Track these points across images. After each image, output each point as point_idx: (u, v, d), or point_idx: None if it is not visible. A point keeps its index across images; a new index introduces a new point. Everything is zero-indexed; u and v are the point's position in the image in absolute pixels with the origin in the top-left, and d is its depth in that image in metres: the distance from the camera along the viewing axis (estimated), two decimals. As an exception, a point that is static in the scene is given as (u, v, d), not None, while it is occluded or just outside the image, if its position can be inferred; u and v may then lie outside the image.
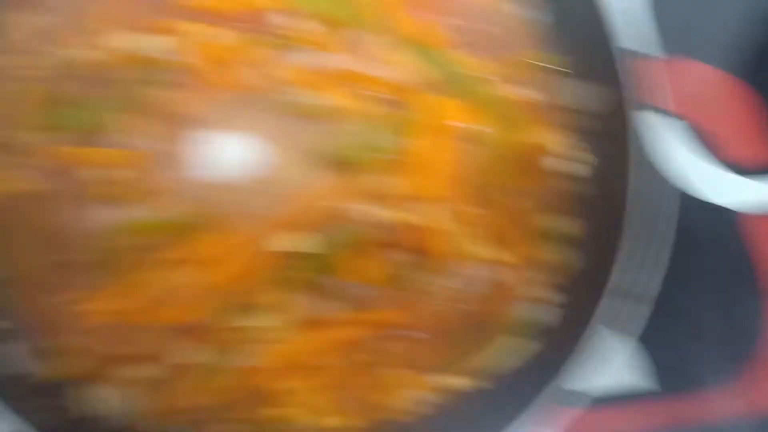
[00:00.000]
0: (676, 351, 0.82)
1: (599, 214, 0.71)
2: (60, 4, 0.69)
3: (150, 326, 0.66)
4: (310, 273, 0.67)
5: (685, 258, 0.73)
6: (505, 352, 0.71)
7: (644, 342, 0.78)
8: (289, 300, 0.66)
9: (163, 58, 0.69)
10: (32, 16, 0.69)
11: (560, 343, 0.69)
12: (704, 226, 0.84)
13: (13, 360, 0.66)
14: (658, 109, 0.68)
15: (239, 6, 0.70)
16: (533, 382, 0.68)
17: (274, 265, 0.66)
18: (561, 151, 0.73)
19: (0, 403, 0.60)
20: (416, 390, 0.70)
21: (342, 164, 0.69)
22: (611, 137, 0.69)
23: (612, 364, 0.66)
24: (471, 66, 0.72)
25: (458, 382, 0.70)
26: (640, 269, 0.67)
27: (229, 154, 0.68)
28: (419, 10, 0.73)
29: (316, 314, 0.67)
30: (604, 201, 0.71)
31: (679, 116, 0.86)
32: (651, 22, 0.83)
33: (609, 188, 0.70)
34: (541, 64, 0.74)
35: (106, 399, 0.66)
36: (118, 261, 0.66)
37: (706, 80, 0.90)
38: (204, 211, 0.67)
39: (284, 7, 0.71)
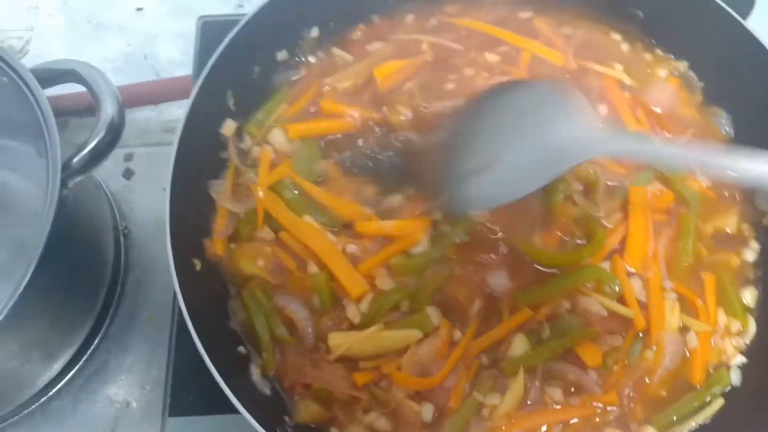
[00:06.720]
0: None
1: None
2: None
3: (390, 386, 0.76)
4: (540, 359, 0.77)
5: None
6: (695, 410, 0.79)
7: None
8: (518, 383, 0.76)
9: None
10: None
11: (744, 401, 0.78)
12: None
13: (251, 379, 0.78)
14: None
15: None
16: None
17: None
18: (739, 236, 0.85)
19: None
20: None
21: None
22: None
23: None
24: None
25: (655, 434, 0.78)
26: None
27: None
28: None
29: (539, 397, 0.77)
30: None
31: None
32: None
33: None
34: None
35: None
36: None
37: None
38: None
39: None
